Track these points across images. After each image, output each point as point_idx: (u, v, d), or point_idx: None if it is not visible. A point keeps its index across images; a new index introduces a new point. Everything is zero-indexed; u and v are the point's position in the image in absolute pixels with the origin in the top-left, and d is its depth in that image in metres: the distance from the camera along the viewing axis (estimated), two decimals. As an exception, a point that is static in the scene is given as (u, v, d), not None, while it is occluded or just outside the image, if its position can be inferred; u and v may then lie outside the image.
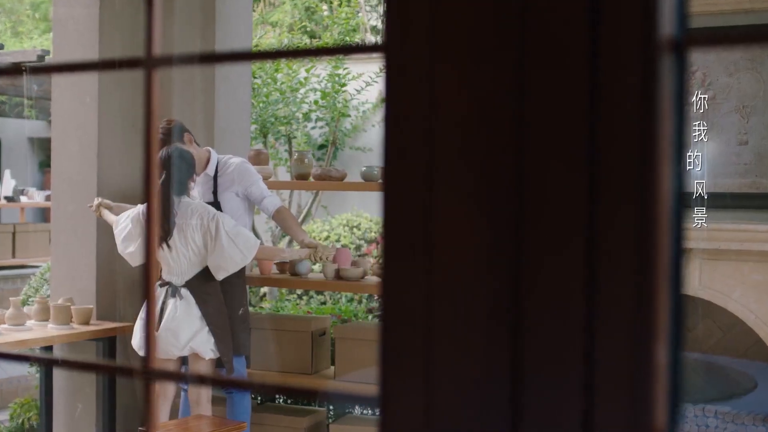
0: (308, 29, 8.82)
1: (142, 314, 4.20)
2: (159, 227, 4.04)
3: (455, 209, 0.88)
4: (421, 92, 0.89)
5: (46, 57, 7.66)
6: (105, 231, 4.70)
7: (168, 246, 4.04)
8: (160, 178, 4.04)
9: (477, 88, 0.87)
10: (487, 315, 0.87)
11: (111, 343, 4.74)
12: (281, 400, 5.17)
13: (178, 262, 4.08)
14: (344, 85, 7.75)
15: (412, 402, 0.91)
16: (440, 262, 0.89)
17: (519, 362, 0.86)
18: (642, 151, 0.83)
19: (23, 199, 9.92)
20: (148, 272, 1.09)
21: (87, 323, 4.69)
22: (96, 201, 4.55)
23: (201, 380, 1.02)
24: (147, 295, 1.09)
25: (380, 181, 0.91)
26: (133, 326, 4.50)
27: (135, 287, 5.00)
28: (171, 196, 4.03)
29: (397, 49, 0.90)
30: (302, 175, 4.65)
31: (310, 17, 9.15)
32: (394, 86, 0.91)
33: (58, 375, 4.93)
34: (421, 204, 0.89)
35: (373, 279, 4.51)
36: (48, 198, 9.81)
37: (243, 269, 4.26)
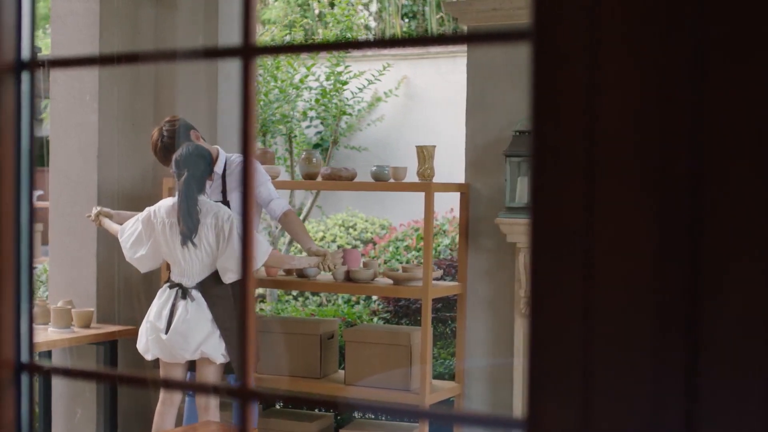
0: (303, 26, 8.73)
1: (148, 317, 4.09)
2: (184, 225, 3.94)
3: (620, 208, 0.80)
4: (579, 82, 0.81)
5: (38, 54, 7.53)
6: (105, 231, 4.58)
7: (193, 244, 3.94)
8: (181, 176, 3.93)
9: (647, 77, 0.79)
10: (656, 326, 0.79)
11: (113, 347, 4.63)
12: (284, 404, 5.07)
13: (190, 262, 3.98)
14: (346, 83, 7.66)
15: (567, 424, 0.82)
16: (602, 267, 0.80)
17: (695, 380, 0.78)
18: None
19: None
20: (246, 277, 1.00)
21: (88, 326, 4.58)
22: (94, 210, 4.40)
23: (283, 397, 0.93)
24: (245, 305, 1.00)
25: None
26: (135, 329, 4.39)
27: (135, 289, 4.89)
28: (194, 194, 3.93)
29: (550, 35, 0.82)
30: (310, 175, 4.56)
31: (303, 15, 9.05)
32: (546, 76, 0.82)
33: (57, 378, 4.81)
34: (581, 202, 0.80)
35: (384, 280, 4.42)
36: (38, 198, 9.65)
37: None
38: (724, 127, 0.77)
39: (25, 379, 1.13)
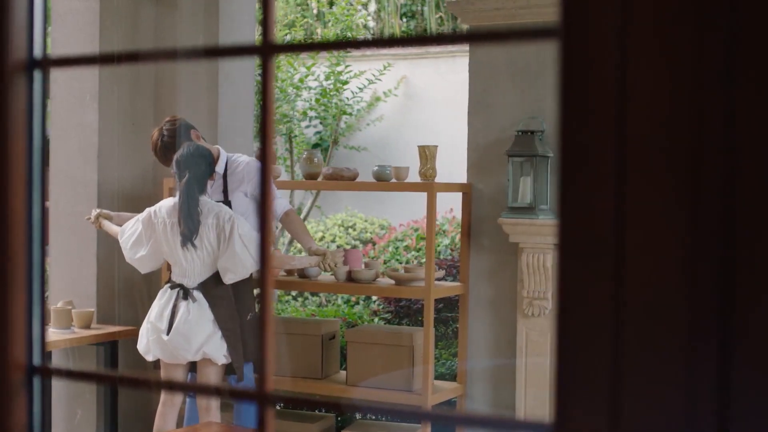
0: (303, 25, 8.71)
1: (149, 317, 4.07)
2: (185, 226, 3.92)
3: (651, 211, 0.78)
4: (609, 82, 0.79)
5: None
6: (105, 233, 4.56)
7: (193, 245, 3.92)
8: (183, 177, 3.91)
9: (679, 78, 0.77)
10: (687, 330, 0.78)
11: (113, 347, 4.61)
12: (285, 405, 5.05)
13: (191, 262, 3.96)
14: (346, 83, 7.64)
15: (596, 428, 0.81)
16: (632, 270, 0.79)
17: (728, 384, 0.76)
18: None
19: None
20: (264, 281, 0.99)
21: (88, 327, 4.56)
22: (94, 212, 4.38)
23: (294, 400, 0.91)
24: (263, 308, 0.99)
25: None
26: (135, 330, 4.37)
27: (136, 290, 4.87)
28: (196, 194, 3.91)
29: (580, 33, 0.80)
30: (311, 175, 4.54)
31: (302, 14, 9.03)
32: (575, 76, 0.81)
33: (57, 379, 4.79)
34: (611, 205, 0.79)
35: (385, 281, 4.41)
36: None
37: (251, 273, 4.15)
38: (757, 130, 0.75)
39: (37, 381, 1.12)
